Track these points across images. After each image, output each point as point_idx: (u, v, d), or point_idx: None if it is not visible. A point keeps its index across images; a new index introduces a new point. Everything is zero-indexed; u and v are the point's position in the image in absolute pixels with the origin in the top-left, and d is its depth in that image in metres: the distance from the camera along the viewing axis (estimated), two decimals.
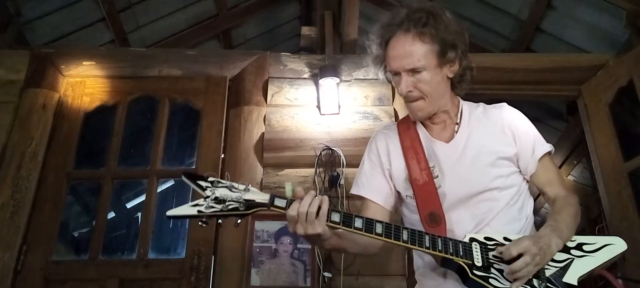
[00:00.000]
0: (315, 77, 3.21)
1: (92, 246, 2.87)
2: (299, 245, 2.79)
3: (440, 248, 1.38)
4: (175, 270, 2.79)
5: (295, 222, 1.34)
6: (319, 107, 3.15)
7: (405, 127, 1.65)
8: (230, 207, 1.32)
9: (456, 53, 1.54)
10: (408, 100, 1.55)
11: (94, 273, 2.78)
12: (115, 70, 3.27)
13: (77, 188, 3.82)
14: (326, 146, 2.99)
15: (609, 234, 3.53)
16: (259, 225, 2.81)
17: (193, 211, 1.31)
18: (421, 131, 1.63)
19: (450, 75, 1.57)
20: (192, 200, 1.34)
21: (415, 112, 1.56)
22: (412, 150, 1.58)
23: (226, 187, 1.35)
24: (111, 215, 3.81)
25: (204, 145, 3.07)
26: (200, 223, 1.33)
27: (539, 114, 4.88)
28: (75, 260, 3.10)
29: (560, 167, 5.31)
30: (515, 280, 1.35)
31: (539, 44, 4.12)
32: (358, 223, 1.36)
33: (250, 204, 1.34)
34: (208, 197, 1.32)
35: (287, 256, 2.77)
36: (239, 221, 1.36)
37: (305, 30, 4.00)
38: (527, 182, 1.60)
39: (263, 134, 3.07)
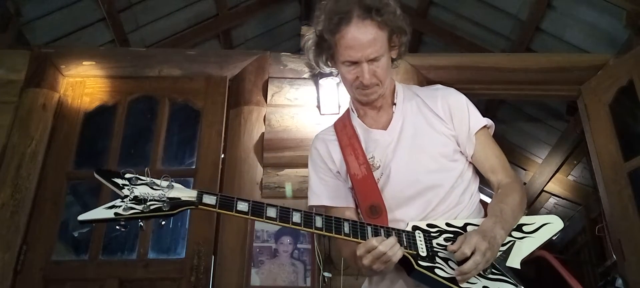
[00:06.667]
0: (315, 77, 3.20)
1: (92, 246, 2.87)
2: (299, 245, 2.79)
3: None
4: (175, 270, 2.79)
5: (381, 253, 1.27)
6: (319, 107, 3.15)
7: (342, 125, 1.63)
8: (152, 207, 1.20)
9: (402, 38, 1.52)
10: (367, 88, 1.49)
11: (93, 273, 2.78)
12: (115, 70, 3.27)
13: (77, 188, 3.81)
14: None
15: (609, 235, 3.53)
16: (259, 225, 2.80)
17: (109, 214, 1.17)
18: (357, 124, 1.60)
19: (394, 57, 1.55)
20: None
21: (370, 96, 1.51)
22: (350, 147, 1.55)
23: (146, 184, 1.23)
24: None
25: (204, 145, 3.07)
26: (117, 226, 1.20)
27: (539, 114, 4.88)
28: (75, 260, 3.10)
29: (560, 167, 5.31)
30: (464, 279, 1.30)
31: (539, 44, 4.12)
32: (296, 217, 1.29)
33: (175, 203, 1.23)
34: (126, 196, 1.20)
35: (287, 256, 2.77)
36: (162, 222, 1.25)
37: (305, 30, 3.99)
38: (471, 163, 1.55)
39: (263, 133, 3.07)
